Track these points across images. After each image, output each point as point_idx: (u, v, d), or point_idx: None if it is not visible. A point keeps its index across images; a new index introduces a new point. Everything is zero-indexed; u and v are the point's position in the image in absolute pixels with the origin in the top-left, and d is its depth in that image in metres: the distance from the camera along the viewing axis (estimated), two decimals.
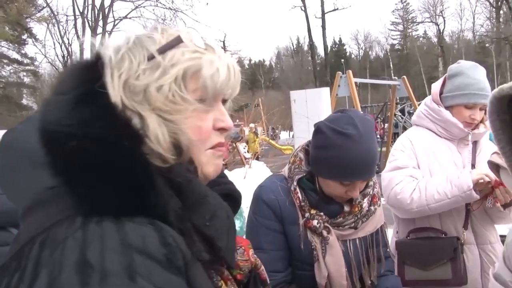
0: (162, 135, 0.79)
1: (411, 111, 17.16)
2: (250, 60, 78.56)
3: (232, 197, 1.01)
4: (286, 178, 1.77)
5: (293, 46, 77.02)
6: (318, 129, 1.64)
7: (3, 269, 0.70)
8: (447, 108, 2.29)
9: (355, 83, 11.21)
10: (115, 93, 0.79)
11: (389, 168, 2.33)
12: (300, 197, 1.69)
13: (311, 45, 52.56)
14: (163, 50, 0.83)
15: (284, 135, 33.49)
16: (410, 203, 2.18)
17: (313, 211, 1.68)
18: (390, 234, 2.52)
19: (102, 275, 0.63)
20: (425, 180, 2.20)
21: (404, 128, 16.51)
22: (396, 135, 17.56)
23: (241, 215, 5.57)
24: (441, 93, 2.32)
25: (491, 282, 1.57)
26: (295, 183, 1.71)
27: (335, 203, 1.70)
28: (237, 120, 31.38)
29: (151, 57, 0.82)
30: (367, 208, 1.74)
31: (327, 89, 9.25)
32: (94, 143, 0.72)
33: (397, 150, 2.36)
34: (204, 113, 0.86)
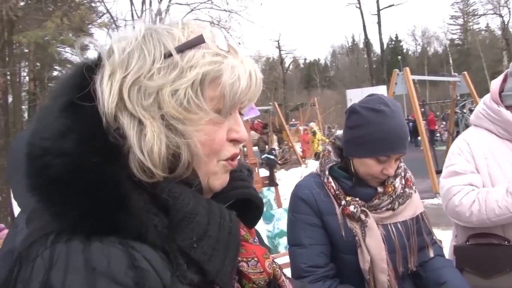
0: (158, 148, 0.72)
1: (473, 108, 16.45)
2: (305, 60, 78.40)
3: (254, 203, 0.94)
4: (319, 174, 1.83)
5: (348, 44, 76.09)
6: (352, 110, 1.71)
7: (6, 283, 0.69)
8: (507, 107, 2.14)
9: (413, 80, 10.92)
10: (112, 95, 0.73)
11: (447, 174, 2.23)
12: (334, 186, 1.74)
13: (367, 43, 51.69)
14: (182, 49, 0.76)
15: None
16: (470, 216, 2.08)
17: (348, 198, 1.72)
18: (450, 237, 2.43)
19: None
20: (484, 192, 2.08)
21: (466, 126, 15.86)
22: (458, 134, 16.87)
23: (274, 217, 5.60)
24: (501, 91, 2.18)
25: None
26: (327, 172, 1.77)
27: (369, 186, 1.74)
28: (293, 120, 31.39)
29: (168, 55, 0.75)
30: (400, 189, 1.77)
31: (383, 87, 9.07)
32: (63, 159, 0.67)
33: (454, 154, 2.25)
34: (218, 123, 0.79)
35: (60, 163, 0.67)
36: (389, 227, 1.75)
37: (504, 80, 2.19)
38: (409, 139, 1.72)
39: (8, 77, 12.75)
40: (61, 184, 0.67)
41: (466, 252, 2.19)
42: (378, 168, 1.68)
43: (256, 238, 0.94)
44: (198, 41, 0.77)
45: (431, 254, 1.87)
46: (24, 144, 0.71)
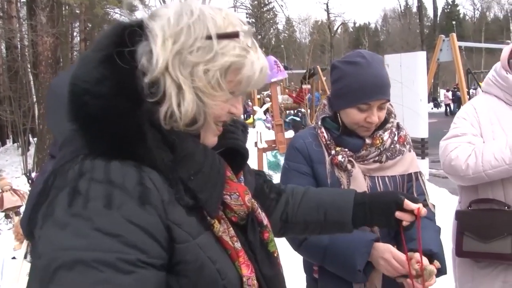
0: (191, 109, 0.93)
1: None
2: (354, 23, 76.26)
3: (239, 152, 1.14)
4: (314, 126, 1.92)
5: (400, 8, 73.21)
6: (333, 66, 1.83)
7: (41, 192, 0.89)
8: None
9: (460, 47, 10.52)
10: (163, 61, 0.91)
11: (448, 136, 2.24)
12: (326, 136, 1.84)
13: (419, 7, 49.64)
14: (220, 36, 0.94)
15: None
16: (466, 169, 2.09)
17: (338, 148, 1.81)
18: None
19: (85, 199, 0.81)
20: (482, 145, 2.10)
21: None
22: None
23: None
24: (510, 58, 2.17)
25: None
26: (319, 123, 1.87)
27: (358, 137, 1.82)
28: None
29: (208, 37, 0.93)
30: (390, 143, 1.83)
31: (423, 53, 8.73)
32: (99, 99, 0.86)
33: (459, 118, 2.26)
34: (227, 102, 0.99)
35: (97, 103, 0.86)
36: (376, 180, 1.81)
37: None
38: (390, 86, 1.78)
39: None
40: (96, 119, 0.87)
41: (467, 217, 2.23)
42: (361, 116, 1.75)
43: (242, 178, 1.14)
44: (234, 35, 0.96)
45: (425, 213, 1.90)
46: (66, 83, 0.91)
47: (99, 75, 0.88)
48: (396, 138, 1.86)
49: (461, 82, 10.31)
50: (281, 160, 6.96)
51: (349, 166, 1.78)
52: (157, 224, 0.86)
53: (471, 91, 20.79)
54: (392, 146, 1.84)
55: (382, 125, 1.83)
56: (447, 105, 31.06)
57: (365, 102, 1.73)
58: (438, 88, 42.54)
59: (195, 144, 0.97)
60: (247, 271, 0.99)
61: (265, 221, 1.12)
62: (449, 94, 30.66)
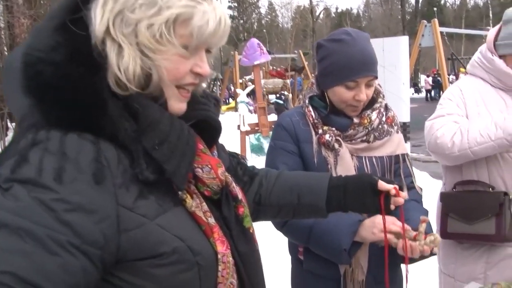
0: (132, 68, 0.87)
1: None
2: (336, 9, 76.41)
3: (212, 126, 1.08)
4: (302, 105, 1.89)
5: None
6: (318, 45, 1.80)
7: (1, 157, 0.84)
8: (500, 57, 2.12)
9: (441, 32, 10.60)
10: (102, 22, 0.86)
11: (433, 116, 2.23)
12: (313, 115, 1.81)
13: None
14: None
15: None
16: (451, 147, 2.06)
17: (325, 128, 1.78)
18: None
19: (35, 169, 0.77)
20: (467, 123, 2.08)
21: None
22: None
23: None
24: (496, 40, 2.16)
25: None
26: (307, 101, 1.84)
27: (345, 116, 1.80)
28: None
29: None
30: (378, 123, 1.81)
31: (406, 37, 8.76)
32: (54, 67, 0.82)
33: (445, 99, 2.25)
34: (184, 57, 0.93)
35: (51, 70, 0.82)
36: (364, 160, 1.79)
37: (500, 30, 2.16)
38: (377, 62, 1.75)
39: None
40: (51, 87, 0.82)
41: (451, 199, 2.23)
42: (349, 94, 1.72)
43: (216, 152, 1.09)
44: None
45: (406, 197, 1.89)
46: (20, 55, 0.86)
47: (53, 42, 0.84)
48: (384, 119, 1.84)
49: (442, 68, 10.42)
50: (264, 143, 6.97)
51: (336, 146, 1.75)
52: (105, 208, 0.81)
53: (451, 77, 21.00)
54: (380, 126, 1.82)
55: (370, 105, 1.81)
56: (427, 90, 31.38)
57: (352, 79, 1.69)
58: (419, 73, 42.90)
59: (161, 113, 0.92)
60: (222, 248, 0.95)
61: (240, 195, 1.07)
62: (430, 79, 30.95)
